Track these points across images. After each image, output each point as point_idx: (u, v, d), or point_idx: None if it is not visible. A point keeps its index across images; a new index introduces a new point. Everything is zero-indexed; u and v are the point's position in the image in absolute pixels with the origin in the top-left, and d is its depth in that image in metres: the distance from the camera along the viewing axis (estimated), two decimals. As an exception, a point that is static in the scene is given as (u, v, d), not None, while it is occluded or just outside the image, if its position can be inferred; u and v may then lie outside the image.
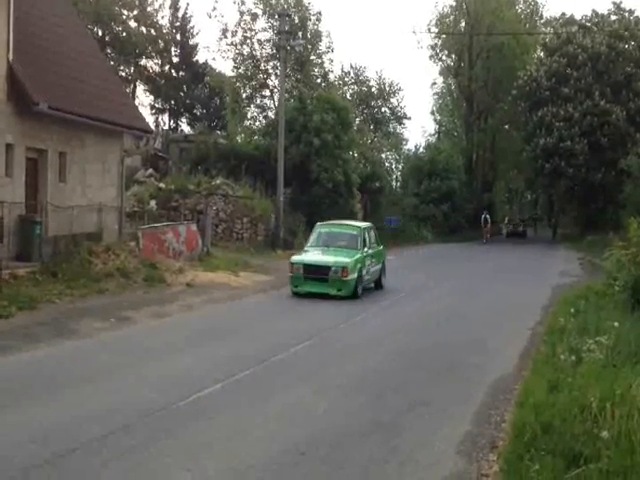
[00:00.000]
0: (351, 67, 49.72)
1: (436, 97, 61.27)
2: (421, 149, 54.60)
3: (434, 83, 60.67)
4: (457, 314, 14.07)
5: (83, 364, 8.76)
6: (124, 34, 47.86)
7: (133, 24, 49.18)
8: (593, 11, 46.74)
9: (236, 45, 41.06)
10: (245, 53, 41.22)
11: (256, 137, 36.09)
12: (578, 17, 47.84)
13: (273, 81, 41.22)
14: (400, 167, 56.34)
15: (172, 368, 8.60)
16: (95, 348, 9.72)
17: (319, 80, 42.85)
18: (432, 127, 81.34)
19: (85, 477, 5.24)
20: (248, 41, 41.10)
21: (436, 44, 53.89)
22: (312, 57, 42.61)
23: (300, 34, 38.82)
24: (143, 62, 51.53)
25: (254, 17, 40.87)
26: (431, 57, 54.63)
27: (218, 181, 28.00)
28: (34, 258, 14.85)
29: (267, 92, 42.35)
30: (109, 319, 11.40)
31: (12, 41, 15.18)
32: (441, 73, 57.41)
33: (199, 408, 7.05)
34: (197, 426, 6.49)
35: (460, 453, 6.18)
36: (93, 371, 8.30)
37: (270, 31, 40.19)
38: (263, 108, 43.05)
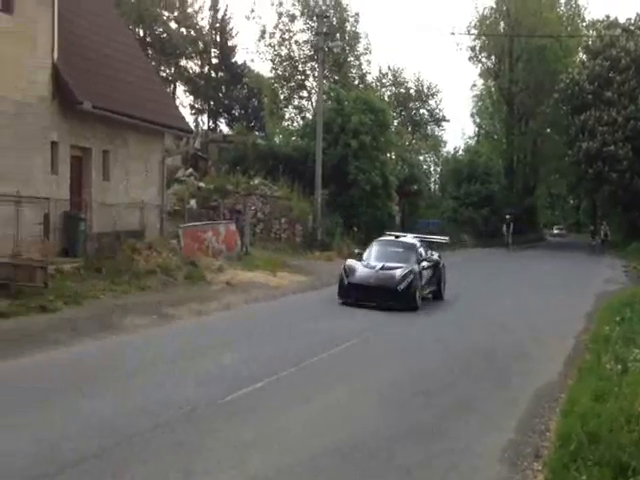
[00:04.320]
0: (389, 69, 49.58)
1: (475, 99, 60.76)
2: (460, 152, 54.20)
3: (474, 85, 60.23)
4: (500, 321, 13.90)
5: (127, 359, 8.89)
6: (165, 35, 48.48)
7: (174, 25, 49.79)
8: (637, 14, 45.81)
9: (274, 46, 41.35)
10: (283, 54, 41.46)
11: (294, 138, 36.21)
12: (622, 20, 46.95)
13: (311, 82, 41.42)
14: (438, 170, 55.99)
15: (213, 365, 8.66)
16: (138, 343, 9.86)
17: (357, 82, 42.83)
18: (471, 129, 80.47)
19: (129, 471, 5.31)
20: (286, 42, 41.36)
21: (475, 46, 53.46)
22: (350, 58, 42.63)
23: (338, 35, 38.87)
24: (183, 63, 52.14)
25: (292, 18, 41.10)
26: (470, 59, 54.16)
27: (256, 181, 28.15)
28: (79, 254, 15.12)
29: (305, 93, 42.57)
30: (151, 315, 11.54)
31: (57, 41, 15.47)
32: (481, 75, 56.90)
33: (240, 406, 7.09)
34: (238, 423, 6.53)
35: (503, 461, 6.09)
36: (137, 366, 8.42)
37: (308, 32, 40.39)
38: (301, 109, 43.25)
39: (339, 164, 29.02)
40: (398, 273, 14.51)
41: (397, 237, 17.53)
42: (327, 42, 30.04)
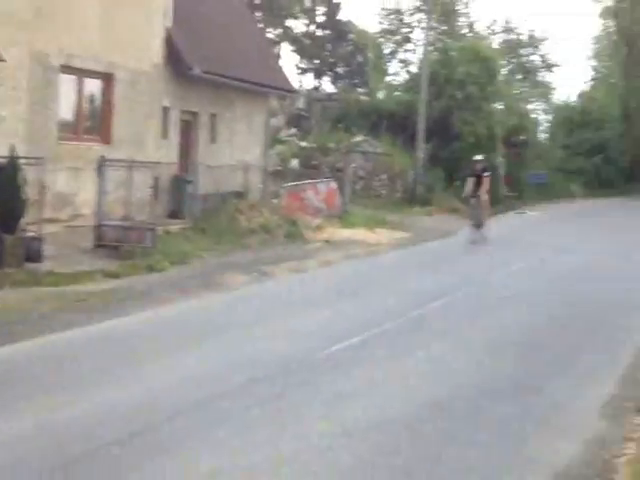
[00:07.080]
0: (499, 16, 47.41)
1: (594, 41, 56.99)
2: (573, 97, 51.24)
3: (592, 25, 56.16)
4: (607, 274, 13.35)
5: (228, 315, 9.24)
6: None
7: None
8: None
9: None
10: (389, 7, 40.89)
11: (397, 92, 35.66)
12: None
13: (417, 35, 40.56)
14: (549, 118, 53.32)
15: (311, 321, 8.86)
16: (239, 300, 10.24)
17: (465, 31, 41.48)
18: (584, 75, 75.73)
19: (230, 420, 5.55)
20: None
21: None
22: (458, 7, 41.39)
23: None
24: (289, 23, 52.12)
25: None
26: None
27: (358, 138, 27.99)
28: (185, 215, 15.75)
29: (410, 46, 41.75)
30: (252, 273, 11.92)
31: (171, 7, 15.72)
32: (601, 15, 53.17)
33: (336, 360, 7.21)
34: (334, 378, 6.64)
35: (604, 416, 5.94)
36: (237, 322, 8.74)
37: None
38: (406, 62, 42.48)
39: (443, 117, 28.26)
40: None
41: None
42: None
